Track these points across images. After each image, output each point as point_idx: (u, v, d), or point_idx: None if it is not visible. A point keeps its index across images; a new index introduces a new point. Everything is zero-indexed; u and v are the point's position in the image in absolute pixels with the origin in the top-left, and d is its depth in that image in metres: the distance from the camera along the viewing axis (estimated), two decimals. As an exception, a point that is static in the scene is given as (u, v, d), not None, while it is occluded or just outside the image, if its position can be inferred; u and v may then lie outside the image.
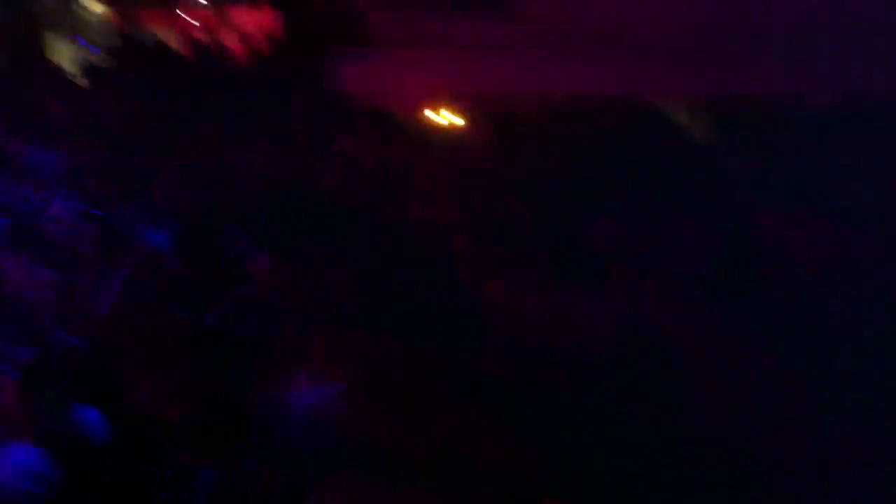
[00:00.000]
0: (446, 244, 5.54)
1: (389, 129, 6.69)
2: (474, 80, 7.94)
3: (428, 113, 7.78)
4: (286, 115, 8.02)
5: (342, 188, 6.14)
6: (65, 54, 14.80)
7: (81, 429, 3.30)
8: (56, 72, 12.04)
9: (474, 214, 5.96)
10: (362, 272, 5.10)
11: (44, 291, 4.67)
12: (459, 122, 7.75)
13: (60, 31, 15.18)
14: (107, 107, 9.41)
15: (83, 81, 11.93)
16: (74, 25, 15.42)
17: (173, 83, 10.81)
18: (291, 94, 8.47)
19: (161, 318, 3.75)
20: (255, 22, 15.15)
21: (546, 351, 4.36)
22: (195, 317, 4.34)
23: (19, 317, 4.42)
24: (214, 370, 3.75)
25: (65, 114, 8.97)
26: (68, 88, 10.61)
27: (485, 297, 4.85)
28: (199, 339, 3.82)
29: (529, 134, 7.29)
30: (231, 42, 14.78)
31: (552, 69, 7.88)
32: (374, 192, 6.06)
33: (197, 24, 16.10)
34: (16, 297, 4.61)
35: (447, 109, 7.85)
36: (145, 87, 10.67)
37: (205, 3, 15.13)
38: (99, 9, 15.74)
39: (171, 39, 14.36)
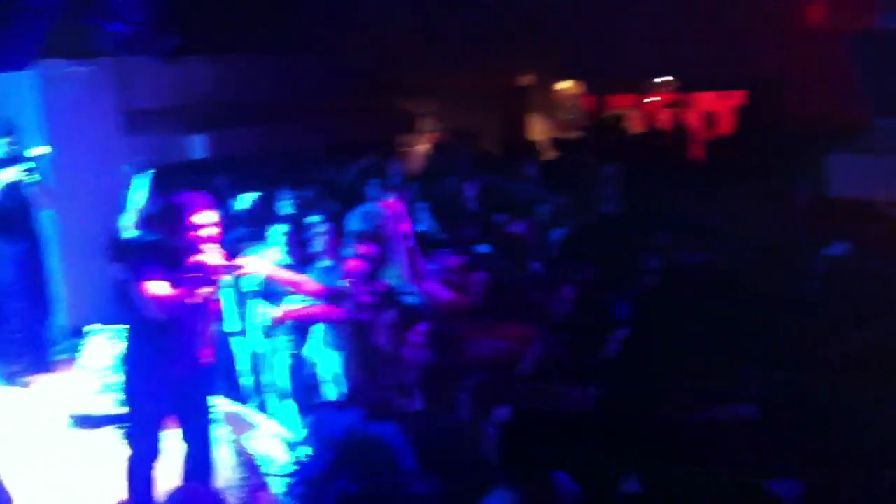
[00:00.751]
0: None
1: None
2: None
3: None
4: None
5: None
6: (542, 130, 16.10)
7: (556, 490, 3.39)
8: (534, 145, 13.15)
9: None
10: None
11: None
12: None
13: (540, 111, 16.51)
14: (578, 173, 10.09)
15: (555, 153, 12.91)
16: (551, 105, 16.69)
17: (634, 157, 11.29)
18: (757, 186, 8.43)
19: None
20: (720, 107, 15.45)
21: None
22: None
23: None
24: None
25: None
26: (540, 159, 11.52)
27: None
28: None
29: None
30: (694, 124, 15.21)
31: None
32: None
33: (663, 105, 16.69)
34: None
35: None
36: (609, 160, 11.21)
37: (673, 86, 15.64)
38: (574, 90, 16.87)
39: (637, 118, 15.03)
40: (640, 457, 3.41)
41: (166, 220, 5.30)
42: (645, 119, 15.65)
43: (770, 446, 3.62)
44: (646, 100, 16.64)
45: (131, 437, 5.38)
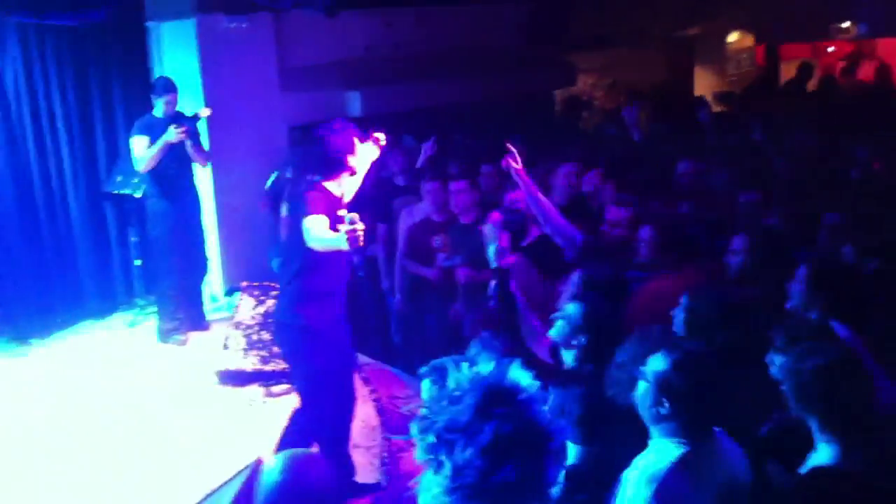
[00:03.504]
0: None
1: None
2: None
3: None
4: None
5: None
6: (707, 82, 15.39)
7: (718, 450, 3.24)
8: (697, 99, 12.53)
9: None
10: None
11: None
12: None
13: (706, 61, 15.79)
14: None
15: (719, 107, 12.28)
16: (720, 56, 15.92)
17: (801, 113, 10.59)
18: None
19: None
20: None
21: None
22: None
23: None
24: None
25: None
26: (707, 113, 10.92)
27: None
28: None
29: None
30: (868, 73, 14.15)
31: None
32: None
33: (839, 54, 15.67)
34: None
35: None
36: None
37: (853, 34, 14.61)
38: (743, 41, 16.03)
39: (811, 69, 14.09)
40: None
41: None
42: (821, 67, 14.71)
43: None
44: (822, 48, 15.68)
45: (324, 389, 5.24)
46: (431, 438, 2.36)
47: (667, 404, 3.17)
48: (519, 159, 5.91)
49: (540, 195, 5.97)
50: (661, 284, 5.14)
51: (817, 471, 3.19)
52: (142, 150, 7.72)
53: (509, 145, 5.91)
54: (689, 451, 3.14)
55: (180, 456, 5.98)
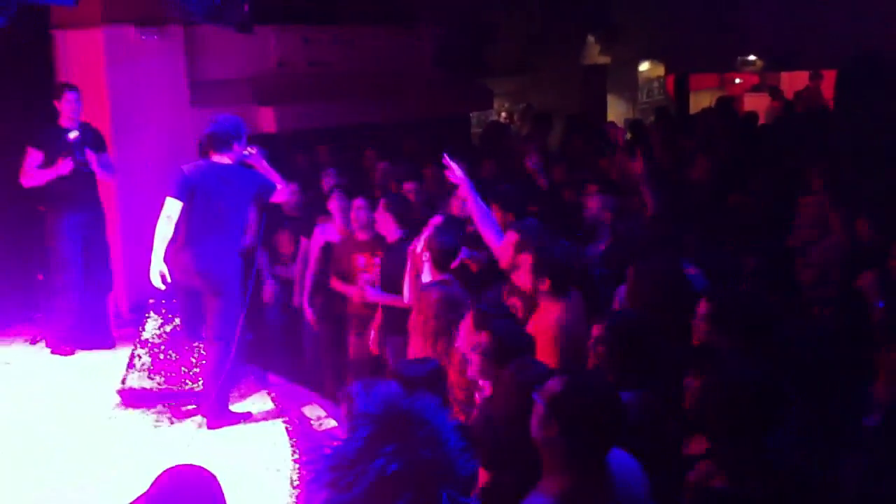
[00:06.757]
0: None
1: None
2: None
3: None
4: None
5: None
6: (619, 110, 15.62)
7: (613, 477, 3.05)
8: (608, 126, 12.65)
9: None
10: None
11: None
12: None
13: (618, 89, 16.01)
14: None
15: (630, 136, 12.40)
16: (631, 86, 16.19)
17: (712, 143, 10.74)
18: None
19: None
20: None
21: None
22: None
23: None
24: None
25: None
26: (615, 142, 10.99)
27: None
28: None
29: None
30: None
31: None
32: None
33: (748, 87, 16.09)
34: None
35: None
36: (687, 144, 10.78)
37: (758, 67, 15.01)
38: (655, 72, 16.33)
39: (720, 101, 14.37)
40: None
41: None
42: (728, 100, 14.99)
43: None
44: (731, 80, 16.07)
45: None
46: (317, 471, 2.25)
47: (557, 427, 2.98)
48: (457, 168, 6.16)
49: (480, 200, 6.13)
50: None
51: (708, 492, 3.15)
52: (28, 165, 7.47)
53: (445, 160, 6.21)
54: (570, 489, 2.94)
55: (82, 480, 5.68)
